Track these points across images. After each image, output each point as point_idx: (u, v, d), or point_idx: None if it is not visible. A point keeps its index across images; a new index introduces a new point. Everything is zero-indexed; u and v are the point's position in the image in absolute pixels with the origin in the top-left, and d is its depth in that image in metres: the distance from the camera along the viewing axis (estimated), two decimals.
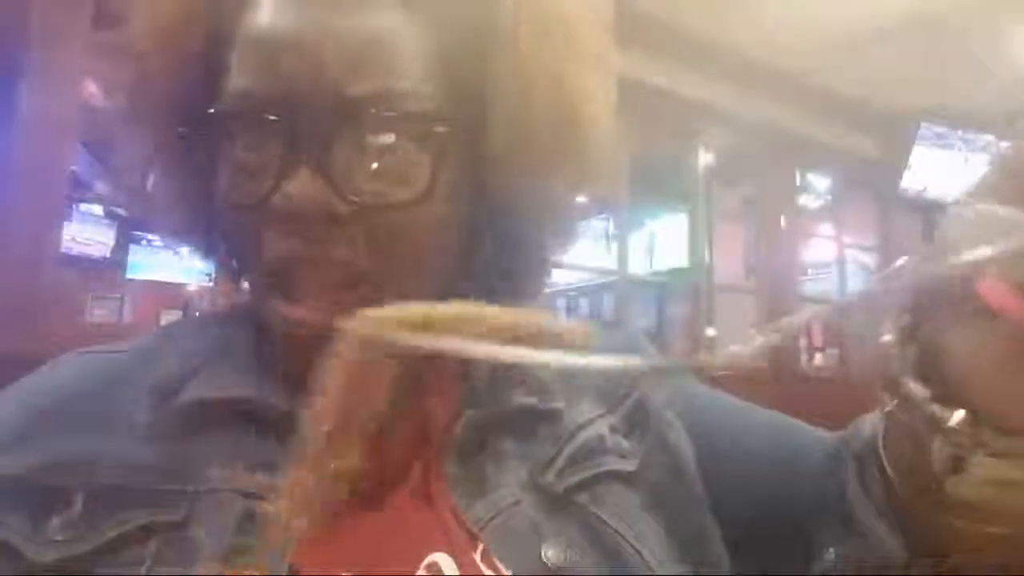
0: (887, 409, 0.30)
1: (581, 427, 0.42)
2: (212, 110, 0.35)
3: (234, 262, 0.43)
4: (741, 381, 3.38)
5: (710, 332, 3.59)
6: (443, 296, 0.38)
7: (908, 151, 3.67)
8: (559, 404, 0.43)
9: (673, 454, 0.44)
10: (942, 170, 3.76)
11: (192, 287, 6.02)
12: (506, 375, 0.43)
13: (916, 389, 0.27)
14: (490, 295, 0.41)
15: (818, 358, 4.59)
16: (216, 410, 0.39)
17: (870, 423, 0.36)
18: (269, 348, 0.41)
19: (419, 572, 0.36)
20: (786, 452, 0.44)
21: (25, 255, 1.75)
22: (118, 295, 5.68)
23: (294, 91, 0.34)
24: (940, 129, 3.68)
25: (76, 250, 5.59)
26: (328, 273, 0.35)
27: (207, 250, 0.45)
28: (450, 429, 0.41)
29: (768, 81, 3.38)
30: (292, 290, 0.35)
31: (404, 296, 0.34)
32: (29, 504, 0.36)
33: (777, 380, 3.21)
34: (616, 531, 0.39)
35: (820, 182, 4.26)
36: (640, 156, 3.27)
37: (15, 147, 1.78)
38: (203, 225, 0.42)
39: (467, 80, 0.37)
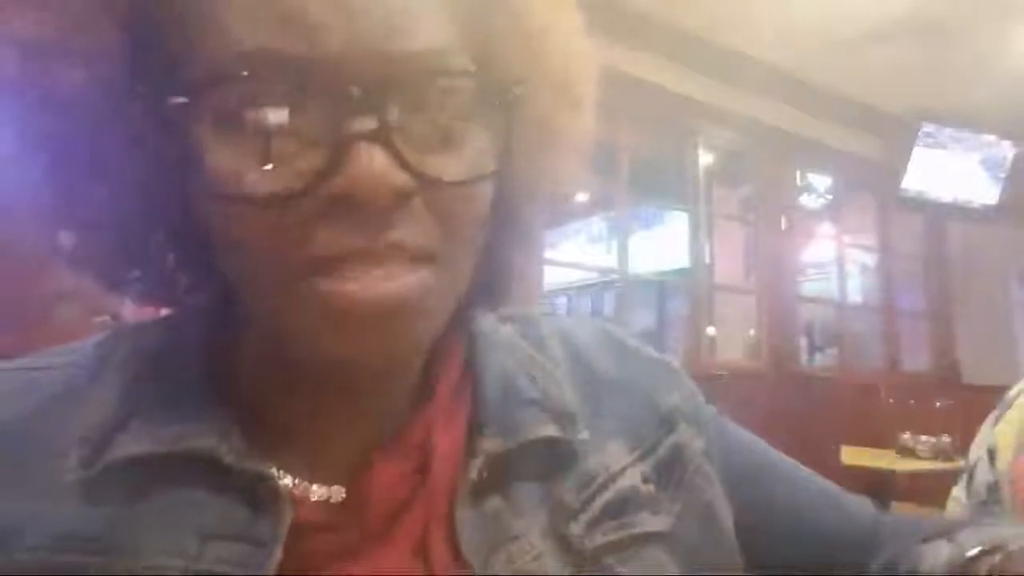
0: None
1: (613, 477, 0.37)
2: (213, 77, 0.27)
3: (184, 276, 0.34)
4: (742, 381, 3.38)
5: (710, 331, 3.59)
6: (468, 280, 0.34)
7: (909, 151, 3.67)
8: (585, 435, 0.37)
9: (709, 512, 0.40)
10: (943, 170, 3.76)
11: None
12: (524, 397, 0.37)
13: None
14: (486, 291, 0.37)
15: (818, 358, 4.59)
16: (162, 466, 0.31)
17: (945, 557, 0.37)
18: (235, 384, 0.34)
19: None
20: (829, 520, 0.43)
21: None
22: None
23: (336, 47, 0.27)
24: (941, 129, 3.68)
25: None
26: (392, 260, 0.28)
27: (134, 267, 0.35)
28: (455, 464, 0.34)
29: (769, 81, 3.38)
30: (345, 280, 0.27)
31: (461, 278, 0.32)
32: None
33: (778, 380, 3.21)
34: None
35: (820, 182, 4.26)
36: (640, 156, 3.27)
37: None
38: (145, 232, 0.33)
39: (484, 44, 0.32)
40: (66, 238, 0.34)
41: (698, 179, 3.53)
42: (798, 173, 3.84)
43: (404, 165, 0.27)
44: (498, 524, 0.34)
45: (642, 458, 0.39)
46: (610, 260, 3.73)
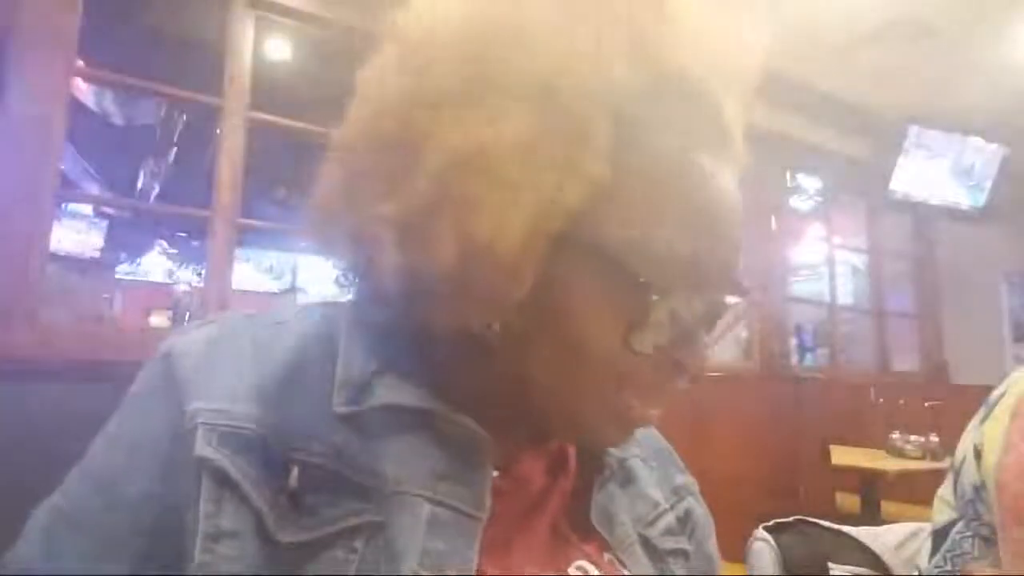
0: None
1: (666, 510, 0.52)
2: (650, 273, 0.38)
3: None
4: (734, 382, 3.37)
5: None
6: None
7: (898, 153, 3.69)
8: (653, 464, 0.54)
9: (709, 559, 0.54)
10: (931, 173, 3.78)
11: (181, 287, 5.99)
12: None
13: None
14: None
15: (808, 358, 4.61)
16: (404, 415, 0.41)
17: None
18: (434, 363, 0.43)
19: (571, 571, 0.43)
20: None
21: (12, 254, 1.73)
22: (107, 295, 5.64)
23: (730, 260, 0.40)
24: (929, 131, 3.70)
25: (65, 250, 5.55)
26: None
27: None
28: (576, 467, 0.49)
29: (760, 83, 3.39)
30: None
31: None
32: (262, 464, 0.37)
33: (768, 380, 3.22)
34: None
35: (811, 184, 4.28)
36: None
37: (1, 146, 1.77)
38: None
39: None
40: None
41: None
42: (788, 175, 3.86)
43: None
44: (609, 511, 0.48)
45: (671, 507, 0.53)
46: None
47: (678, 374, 0.42)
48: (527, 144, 0.36)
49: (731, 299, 0.42)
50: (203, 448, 0.37)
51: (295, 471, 0.37)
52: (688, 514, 0.54)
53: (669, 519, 0.52)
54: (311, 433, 0.38)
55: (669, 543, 0.50)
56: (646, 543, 0.48)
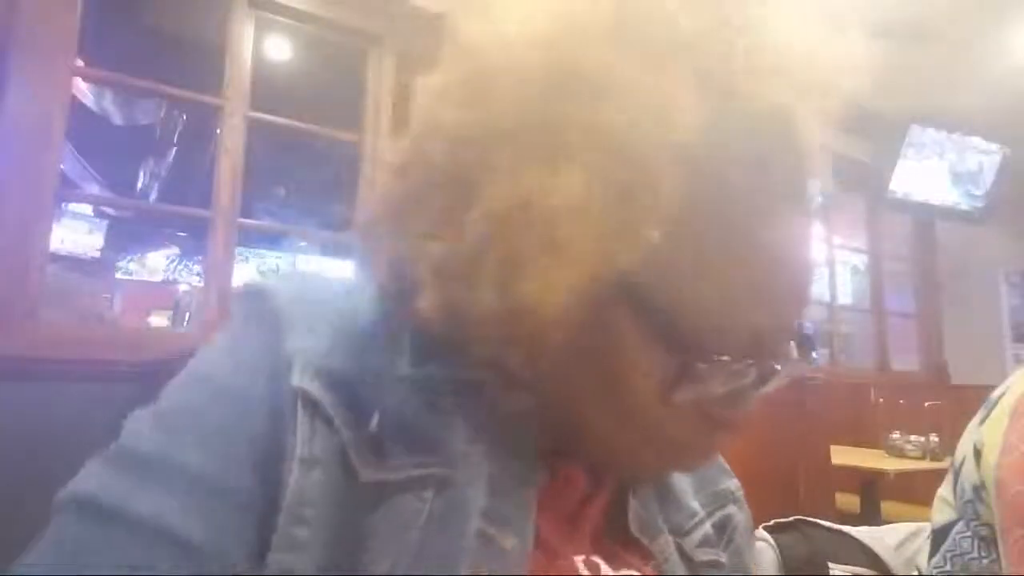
0: None
1: (702, 519, 0.51)
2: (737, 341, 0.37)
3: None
4: None
5: None
6: None
7: (898, 154, 3.69)
8: (687, 480, 0.53)
9: (747, 571, 0.53)
10: (931, 173, 3.78)
11: (181, 287, 5.99)
12: None
13: None
14: None
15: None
16: (461, 383, 0.40)
17: None
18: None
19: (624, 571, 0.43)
20: None
21: (12, 254, 1.73)
22: (107, 295, 5.64)
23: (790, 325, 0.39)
24: (930, 132, 3.70)
25: (65, 250, 5.55)
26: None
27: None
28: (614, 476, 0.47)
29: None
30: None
31: None
32: (348, 404, 0.37)
33: None
34: None
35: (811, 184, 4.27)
36: None
37: (1, 146, 1.76)
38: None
39: None
40: None
41: None
42: None
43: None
44: (647, 522, 0.47)
45: (708, 516, 0.52)
46: None
47: (719, 431, 0.40)
48: (583, 202, 0.34)
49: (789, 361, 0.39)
50: (300, 379, 0.37)
51: (376, 415, 0.37)
52: (728, 521, 0.53)
53: (705, 529, 0.51)
54: (386, 386, 0.39)
55: (703, 555, 0.49)
56: (682, 554, 0.48)
